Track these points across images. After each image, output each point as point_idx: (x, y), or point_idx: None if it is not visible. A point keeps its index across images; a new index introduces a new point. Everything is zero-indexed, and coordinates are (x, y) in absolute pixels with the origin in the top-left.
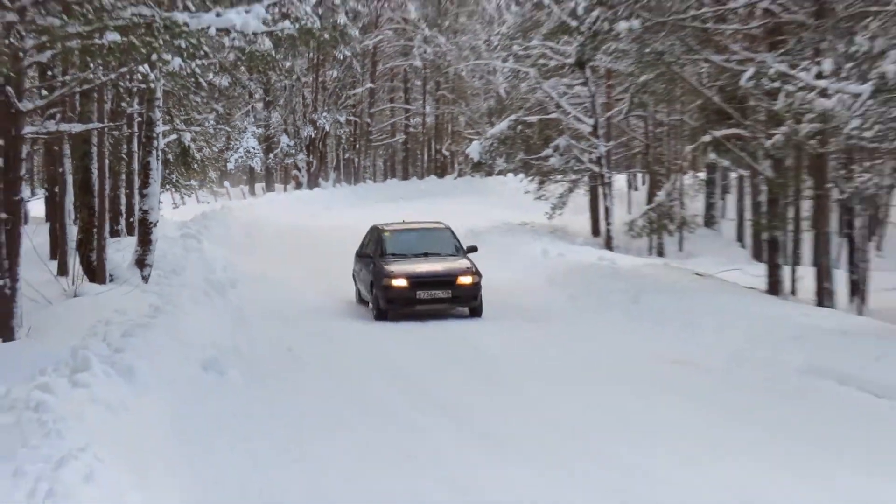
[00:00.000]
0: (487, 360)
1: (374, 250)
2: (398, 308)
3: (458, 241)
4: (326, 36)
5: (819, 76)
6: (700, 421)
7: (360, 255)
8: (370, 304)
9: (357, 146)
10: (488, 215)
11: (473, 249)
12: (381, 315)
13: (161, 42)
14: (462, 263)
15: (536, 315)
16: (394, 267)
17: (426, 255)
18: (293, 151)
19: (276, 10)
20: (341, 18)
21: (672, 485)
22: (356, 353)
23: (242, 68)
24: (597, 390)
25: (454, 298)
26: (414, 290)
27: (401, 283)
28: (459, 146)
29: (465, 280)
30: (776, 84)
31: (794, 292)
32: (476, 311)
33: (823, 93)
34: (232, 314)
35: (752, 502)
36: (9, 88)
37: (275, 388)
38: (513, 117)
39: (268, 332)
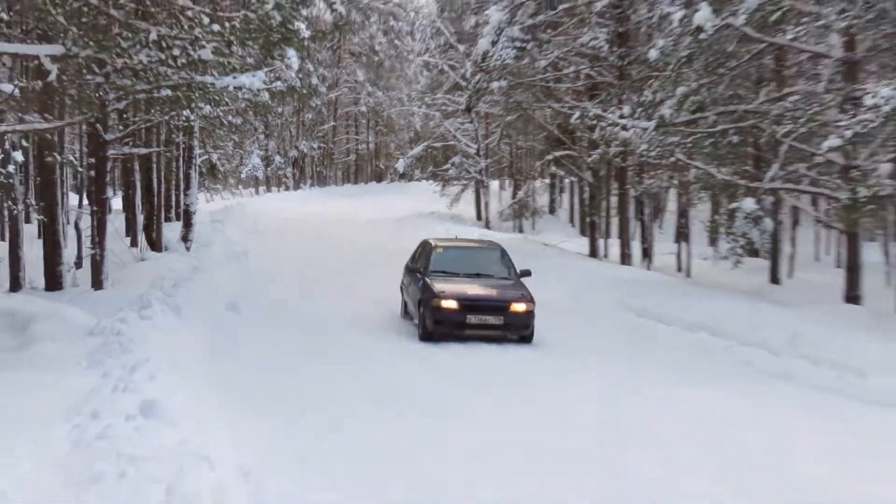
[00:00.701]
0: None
1: (425, 265)
2: (446, 330)
3: (512, 263)
4: (305, 91)
5: (621, 117)
6: (552, 337)
7: (410, 269)
8: (416, 322)
9: (325, 163)
10: (409, 207)
11: (527, 273)
12: (427, 336)
13: (197, 96)
14: (516, 288)
15: None
16: (444, 286)
17: (478, 275)
18: (283, 166)
19: (272, 74)
20: (314, 80)
21: (532, 368)
22: (330, 296)
23: (250, 112)
24: None
25: (506, 325)
26: (464, 314)
27: (450, 304)
28: (391, 162)
29: (519, 307)
30: (594, 122)
31: (606, 256)
32: (526, 339)
33: (624, 128)
34: (245, 273)
35: (575, 375)
36: (98, 126)
37: (272, 321)
38: (425, 144)
39: (269, 285)
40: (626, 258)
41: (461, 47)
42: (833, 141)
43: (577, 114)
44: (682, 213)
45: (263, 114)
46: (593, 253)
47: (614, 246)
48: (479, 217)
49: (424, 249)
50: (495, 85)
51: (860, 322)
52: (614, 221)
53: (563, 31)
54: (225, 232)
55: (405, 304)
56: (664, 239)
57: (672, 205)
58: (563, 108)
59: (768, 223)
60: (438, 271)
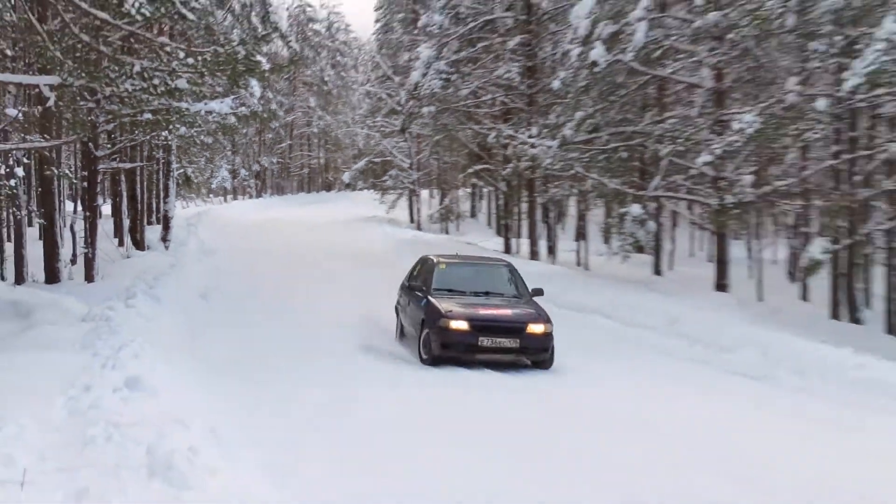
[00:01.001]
0: (346, 274)
1: (426, 284)
2: (454, 355)
3: (523, 280)
4: (266, 115)
5: (530, 136)
6: None
7: (408, 288)
8: (419, 346)
9: (283, 175)
10: (354, 212)
11: (539, 293)
12: (434, 361)
13: (174, 119)
14: (531, 308)
15: (382, 262)
16: (451, 306)
17: (487, 294)
18: (248, 178)
19: (238, 101)
20: (273, 106)
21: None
22: (288, 283)
23: (219, 133)
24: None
25: (523, 349)
26: (476, 336)
27: (461, 325)
28: (338, 175)
29: (537, 329)
30: (507, 141)
31: (518, 252)
32: (544, 364)
33: (532, 146)
34: (214, 268)
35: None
36: (90, 144)
37: (237, 307)
38: (367, 159)
39: (235, 277)
40: (534, 254)
41: (397, 79)
42: (705, 157)
43: (494, 134)
44: (581, 217)
45: (230, 134)
46: (507, 250)
47: (525, 244)
48: (412, 220)
49: (424, 266)
50: (425, 110)
51: (728, 306)
52: (525, 224)
53: (481, 64)
54: (198, 233)
55: (401, 327)
56: (566, 238)
57: (572, 210)
58: (482, 130)
59: (652, 225)
60: (442, 290)
